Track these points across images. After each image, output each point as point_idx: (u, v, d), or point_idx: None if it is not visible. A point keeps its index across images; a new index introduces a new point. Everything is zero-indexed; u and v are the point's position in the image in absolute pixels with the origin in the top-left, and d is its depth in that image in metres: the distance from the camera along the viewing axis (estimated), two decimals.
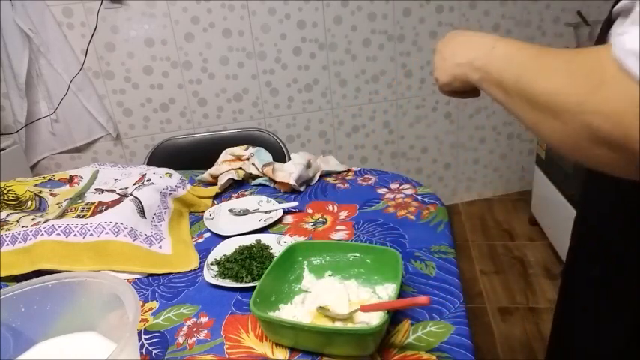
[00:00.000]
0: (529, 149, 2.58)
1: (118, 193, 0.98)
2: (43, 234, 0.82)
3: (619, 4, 0.39)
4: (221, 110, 2.24)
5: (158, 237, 0.88)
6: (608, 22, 0.56)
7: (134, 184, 1.02)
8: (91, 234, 0.83)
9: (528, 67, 0.43)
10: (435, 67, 0.62)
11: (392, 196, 0.98)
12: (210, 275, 0.76)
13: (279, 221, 0.94)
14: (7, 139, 1.97)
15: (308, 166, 1.09)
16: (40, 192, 1.03)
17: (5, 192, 1.00)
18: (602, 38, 0.56)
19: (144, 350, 0.64)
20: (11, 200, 1.00)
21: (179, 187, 1.04)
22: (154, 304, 0.73)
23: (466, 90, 0.60)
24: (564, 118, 0.38)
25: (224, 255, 0.81)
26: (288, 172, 1.05)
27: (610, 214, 0.63)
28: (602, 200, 0.65)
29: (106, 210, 0.90)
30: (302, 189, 1.07)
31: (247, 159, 1.15)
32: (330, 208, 0.97)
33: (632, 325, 0.60)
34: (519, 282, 1.98)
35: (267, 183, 1.11)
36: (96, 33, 1.98)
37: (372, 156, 2.46)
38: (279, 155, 1.39)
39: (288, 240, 0.84)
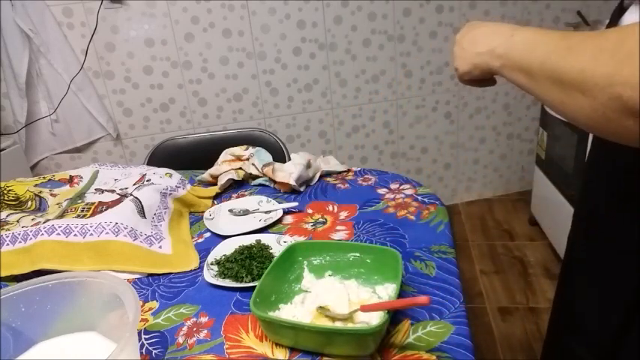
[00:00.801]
0: (529, 149, 2.58)
1: (118, 193, 0.98)
2: (43, 234, 0.82)
3: None
4: (221, 110, 2.24)
5: (158, 237, 0.88)
6: (620, 10, 0.57)
7: (134, 184, 1.02)
8: (91, 234, 0.83)
9: (554, 49, 0.45)
10: (455, 57, 0.64)
11: (392, 196, 0.98)
12: (210, 275, 0.76)
13: (279, 221, 0.94)
14: (7, 139, 1.97)
15: (308, 166, 1.09)
16: (40, 192, 1.03)
17: (5, 192, 1.00)
18: (613, 25, 0.57)
19: (144, 350, 0.64)
20: (11, 200, 1.00)
21: (179, 187, 1.04)
22: (154, 304, 0.73)
23: (484, 79, 0.62)
24: (593, 93, 0.39)
25: (224, 255, 0.81)
26: (288, 172, 1.05)
27: (608, 212, 0.63)
28: (600, 200, 0.65)
29: (106, 210, 0.90)
30: (302, 189, 1.07)
31: (247, 159, 1.15)
32: (330, 208, 0.97)
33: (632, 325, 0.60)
34: (519, 282, 1.98)
35: (267, 183, 1.11)
36: (96, 33, 1.98)
37: (372, 156, 2.46)
38: (279, 155, 1.39)
39: (288, 240, 0.84)
